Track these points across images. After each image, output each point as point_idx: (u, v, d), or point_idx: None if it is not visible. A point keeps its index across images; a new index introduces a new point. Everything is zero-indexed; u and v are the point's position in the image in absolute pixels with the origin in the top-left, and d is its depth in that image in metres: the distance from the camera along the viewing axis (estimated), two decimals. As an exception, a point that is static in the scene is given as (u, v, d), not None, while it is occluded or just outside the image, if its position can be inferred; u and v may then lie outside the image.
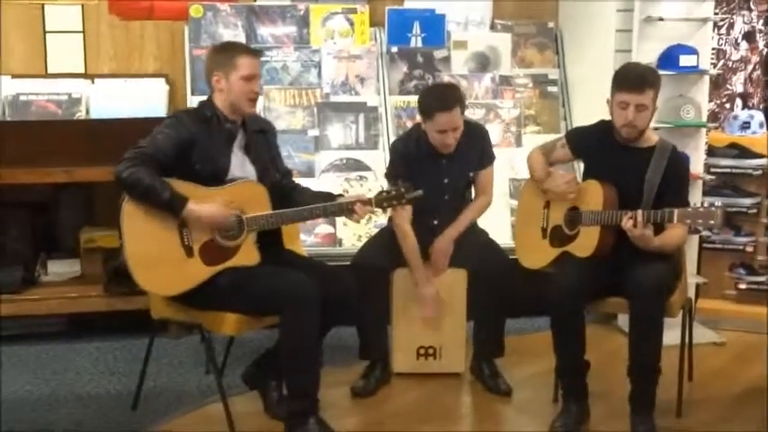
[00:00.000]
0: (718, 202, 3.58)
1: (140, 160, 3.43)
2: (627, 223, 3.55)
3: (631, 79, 3.69)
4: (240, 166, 3.66)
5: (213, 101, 3.65)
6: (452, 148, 4.11)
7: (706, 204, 3.50)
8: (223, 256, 3.55)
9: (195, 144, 3.54)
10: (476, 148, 4.23)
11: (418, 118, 4.26)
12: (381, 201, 3.70)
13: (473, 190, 4.35)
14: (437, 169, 4.17)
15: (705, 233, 4.93)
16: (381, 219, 4.86)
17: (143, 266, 3.50)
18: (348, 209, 3.66)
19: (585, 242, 3.76)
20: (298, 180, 4.04)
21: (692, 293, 4.60)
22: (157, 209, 3.46)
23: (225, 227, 3.53)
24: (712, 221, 3.46)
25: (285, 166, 3.92)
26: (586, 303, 3.77)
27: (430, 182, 4.05)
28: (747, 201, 5.11)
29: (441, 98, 4.05)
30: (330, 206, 3.66)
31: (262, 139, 3.78)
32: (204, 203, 3.49)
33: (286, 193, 3.78)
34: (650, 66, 4.08)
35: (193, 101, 5.00)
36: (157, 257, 3.51)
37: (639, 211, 3.55)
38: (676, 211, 3.50)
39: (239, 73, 3.59)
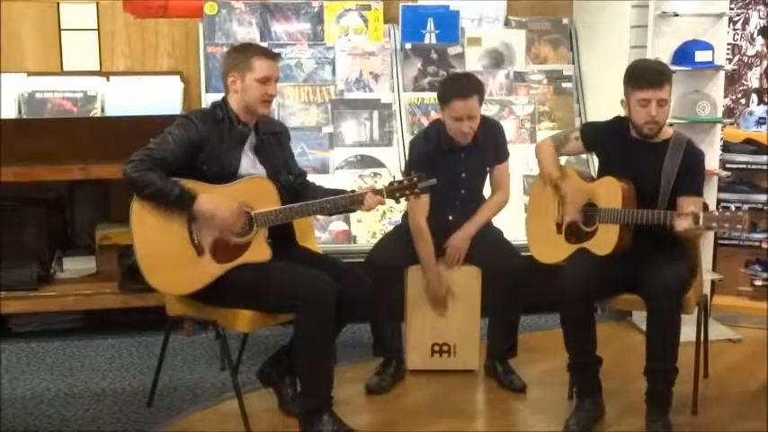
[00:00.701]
0: (742, 206, 3.53)
1: (150, 162, 3.44)
2: (679, 226, 3.49)
3: (649, 76, 3.67)
4: (251, 167, 3.65)
5: (227, 101, 3.65)
6: (469, 137, 4.11)
7: (732, 208, 3.45)
8: (234, 252, 3.55)
9: (204, 145, 3.55)
10: (492, 144, 4.23)
11: (433, 114, 4.27)
12: (393, 191, 3.67)
13: (488, 186, 4.35)
14: (455, 164, 4.16)
15: (720, 229, 4.91)
16: (396, 215, 4.87)
17: (154, 267, 3.51)
18: (358, 200, 3.64)
19: (605, 240, 3.73)
20: (312, 177, 4.04)
21: (707, 290, 4.59)
22: (167, 206, 3.46)
23: (233, 228, 3.51)
24: (739, 226, 3.42)
25: (299, 168, 3.91)
26: (597, 299, 3.77)
27: (447, 176, 4.06)
28: (763, 197, 5.08)
29: (459, 86, 4.08)
30: (340, 199, 3.65)
31: (274, 142, 3.77)
32: (217, 200, 3.49)
33: (299, 193, 3.76)
34: (659, 60, 4.06)
35: (208, 98, 5.02)
36: (168, 257, 3.52)
37: (690, 215, 3.47)
38: (702, 215, 3.46)
39: (254, 75, 3.58)
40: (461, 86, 4.07)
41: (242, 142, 3.65)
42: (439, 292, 4.20)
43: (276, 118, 5.02)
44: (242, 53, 3.65)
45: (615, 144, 3.83)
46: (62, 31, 5.15)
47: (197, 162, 3.54)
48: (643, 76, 3.69)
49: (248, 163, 3.66)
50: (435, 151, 4.14)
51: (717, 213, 3.51)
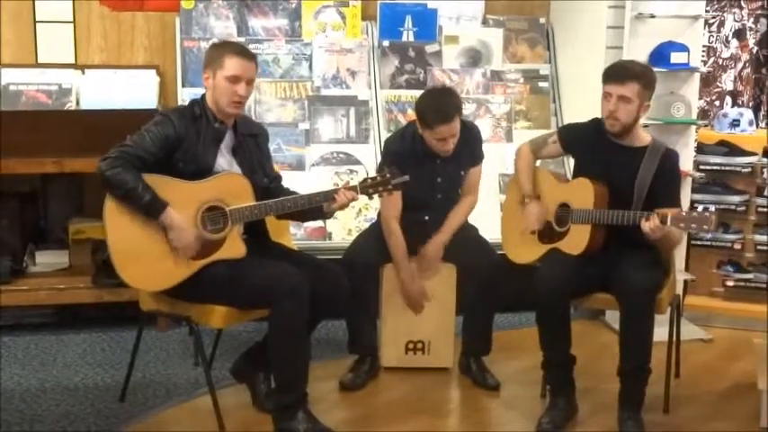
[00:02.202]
0: (712, 207, 3.56)
1: (125, 160, 3.42)
2: (645, 226, 3.53)
3: (614, 71, 3.74)
4: (227, 166, 3.63)
5: (205, 99, 3.63)
6: (451, 152, 4.11)
7: (700, 209, 3.49)
8: (208, 249, 3.54)
9: (181, 143, 3.53)
10: (468, 148, 4.23)
11: (410, 112, 4.26)
12: (366, 188, 3.66)
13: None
14: (431, 169, 4.16)
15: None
16: (371, 213, 4.87)
17: (128, 263, 3.49)
18: (332, 196, 3.63)
19: (576, 240, 3.76)
20: (287, 174, 4.02)
21: (680, 290, 4.62)
22: (136, 210, 3.45)
23: (183, 249, 3.49)
24: (706, 226, 3.45)
25: (275, 172, 3.88)
26: (572, 298, 3.79)
27: (423, 181, 4.07)
28: (736, 198, 5.12)
29: (441, 110, 4.01)
30: (314, 195, 3.63)
31: (252, 143, 3.75)
32: (183, 220, 3.48)
33: (273, 197, 3.69)
34: (645, 63, 4.08)
35: (184, 93, 5.00)
36: (142, 253, 3.50)
37: (654, 214, 3.51)
38: (669, 215, 3.49)
39: (224, 72, 3.54)
40: (444, 110, 4.00)
41: (218, 141, 3.63)
42: (412, 291, 4.20)
43: (252, 114, 5.01)
44: (217, 50, 3.62)
45: (592, 146, 3.85)
46: (37, 23, 5.10)
47: (173, 159, 3.53)
48: (611, 71, 3.77)
49: (224, 162, 3.64)
50: (410, 153, 4.13)
51: (684, 213, 3.54)
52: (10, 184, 4.80)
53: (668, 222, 3.48)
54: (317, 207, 3.69)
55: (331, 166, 5.13)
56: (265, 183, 3.74)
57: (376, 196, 3.71)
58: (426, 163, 4.14)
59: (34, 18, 5.10)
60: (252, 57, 3.64)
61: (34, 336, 4.70)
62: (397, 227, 4.13)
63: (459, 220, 4.25)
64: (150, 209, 3.44)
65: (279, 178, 3.88)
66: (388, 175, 3.66)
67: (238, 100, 3.58)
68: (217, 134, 3.62)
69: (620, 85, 3.68)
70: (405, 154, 4.11)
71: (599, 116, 3.85)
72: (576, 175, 3.92)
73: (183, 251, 3.50)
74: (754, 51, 5.83)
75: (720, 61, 5.76)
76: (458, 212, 4.26)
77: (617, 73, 3.73)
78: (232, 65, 3.55)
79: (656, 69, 4.64)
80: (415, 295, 4.21)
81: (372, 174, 4.62)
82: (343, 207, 3.67)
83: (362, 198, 3.69)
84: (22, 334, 4.72)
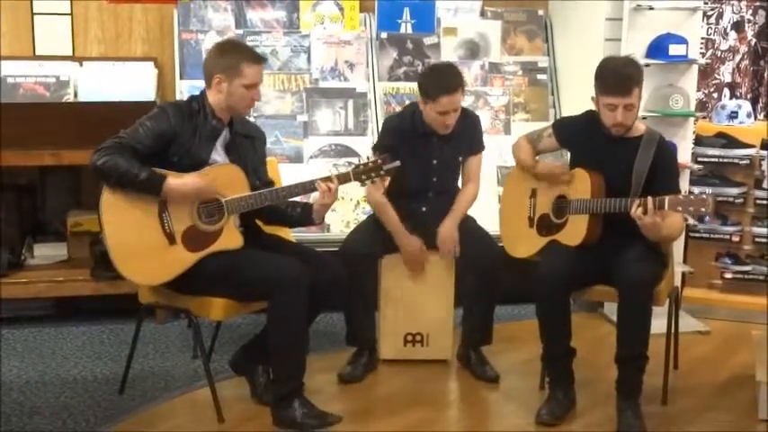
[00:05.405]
0: (708, 190, 3.57)
1: (117, 149, 3.43)
2: (636, 211, 3.53)
3: (617, 83, 3.65)
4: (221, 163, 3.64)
5: (205, 96, 3.63)
6: (451, 128, 4.11)
7: (696, 191, 3.48)
8: (206, 240, 3.54)
9: (176, 137, 3.53)
10: (467, 134, 4.23)
11: (407, 102, 4.26)
12: (359, 174, 3.66)
13: (460, 177, 4.35)
14: (428, 149, 4.16)
15: (692, 222, 4.95)
16: (368, 205, 4.86)
17: (126, 257, 3.49)
18: (313, 187, 3.63)
19: (574, 231, 3.76)
20: (286, 166, 4.01)
21: (678, 282, 4.62)
22: (136, 191, 3.44)
23: (210, 194, 3.49)
24: (704, 209, 3.45)
25: (267, 177, 3.85)
26: (572, 291, 3.79)
27: (419, 162, 4.09)
28: (734, 190, 5.13)
29: (445, 81, 4.03)
30: (308, 183, 3.63)
31: (248, 144, 3.75)
32: (184, 177, 3.48)
33: None
34: (630, 58, 4.05)
35: (182, 85, 5.00)
36: (140, 247, 3.50)
37: (650, 198, 3.51)
38: (667, 199, 3.49)
39: (243, 81, 3.56)
40: (448, 82, 4.03)
41: (214, 138, 3.63)
42: (414, 252, 4.17)
43: (252, 111, 5.00)
44: (231, 56, 3.59)
45: (587, 139, 3.85)
46: (35, 15, 5.10)
47: (168, 154, 3.53)
48: (611, 81, 3.67)
49: (219, 159, 3.64)
50: (409, 131, 4.14)
51: (681, 197, 3.54)
52: (8, 177, 4.81)
53: (666, 206, 3.48)
54: (303, 212, 3.74)
55: (329, 158, 5.12)
56: (257, 185, 3.71)
57: (369, 182, 3.71)
58: (424, 143, 4.14)
59: (32, 10, 5.09)
60: (264, 59, 3.71)
61: (33, 328, 4.71)
62: (384, 199, 4.10)
63: (465, 205, 4.25)
64: (150, 184, 3.43)
65: (271, 184, 3.82)
66: (379, 161, 3.67)
67: (253, 104, 3.69)
68: (214, 131, 3.62)
69: (625, 97, 3.64)
70: (402, 131, 4.11)
71: (593, 109, 3.84)
72: (572, 168, 3.91)
73: (208, 191, 3.49)
74: (753, 43, 5.82)
75: (719, 53, 5.75)
76: (464, 198, 4.26)
77: (619, 85, 3.64)
78: (252, 74, 3.58)
79: (654, 61, 4.68)
80: (416, 257, 4.19)
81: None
82: (325, 200, 3.64)
83: (356, 189, 3.67)
84: (20, 327, 4.72)
